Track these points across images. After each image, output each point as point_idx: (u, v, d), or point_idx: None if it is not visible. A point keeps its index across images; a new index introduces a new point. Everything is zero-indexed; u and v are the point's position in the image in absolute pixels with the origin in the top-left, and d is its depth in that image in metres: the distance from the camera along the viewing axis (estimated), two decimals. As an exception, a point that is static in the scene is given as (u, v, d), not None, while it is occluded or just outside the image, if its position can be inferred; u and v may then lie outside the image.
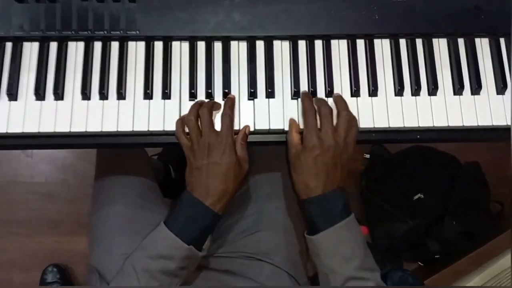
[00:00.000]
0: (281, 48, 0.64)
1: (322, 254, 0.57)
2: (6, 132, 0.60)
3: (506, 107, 0.63)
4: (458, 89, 0.63)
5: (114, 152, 0.83)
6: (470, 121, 0.63)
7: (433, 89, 0.63)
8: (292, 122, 0.61)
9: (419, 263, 1.30)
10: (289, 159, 0.61)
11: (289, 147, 0.60)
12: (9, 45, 0.62)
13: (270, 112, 0.62)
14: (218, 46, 0.64)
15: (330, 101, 0.62)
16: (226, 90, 0.62)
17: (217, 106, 0.62)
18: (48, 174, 1.41)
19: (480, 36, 0.66)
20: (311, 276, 1.23)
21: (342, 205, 0.57)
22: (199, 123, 0.60)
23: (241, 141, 0.61)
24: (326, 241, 0.57)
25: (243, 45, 0.64)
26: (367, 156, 1.40)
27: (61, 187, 1.40)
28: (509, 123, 0.63)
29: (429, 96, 0.64)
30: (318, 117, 0.59)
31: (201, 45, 0.64)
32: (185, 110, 0.61)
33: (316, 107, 0.60)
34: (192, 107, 0.61)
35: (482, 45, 0.66)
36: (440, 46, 0.65)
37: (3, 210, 1.37)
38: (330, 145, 0.57)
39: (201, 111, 0.60)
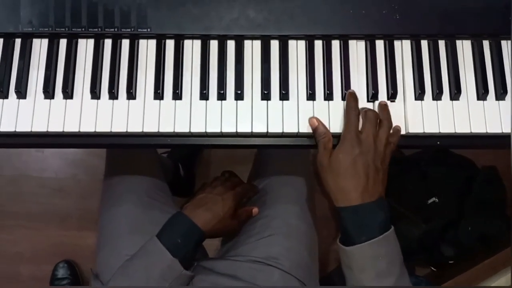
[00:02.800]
0: (297, 48, 0.62)
1: (355, 267, 0.53)
2: (15, 131, 0.59)
3: (532, 113, 0.60)
4: (482, 94, 0.60)
5: (124, 151, 0.82)
6: (493, 128, 0.60)
7: (455, 94, 0.60)
8: (314, 122, 0.57)
9: (432, 268, 1.27)
10: (321, 162, 0.56)
11: (320, 150, 0.56)
12: (18, 42, 0.61)
13: (284, 115, 0.60)
14: (231, 45, 0.62)
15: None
16: (239, 91, 0.60)
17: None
18: (58, 168, 1.41)
19: (507, 38, 0.63)
20: (326, 275, 1.21)
21: (382, 218, 0.53)
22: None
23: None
24: (360, 255, 0.53)
25: (257, 44, 0.62)
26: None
27: (71, 182, 1.40)
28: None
29: (451, 101, 0.61)
30: (360, 119, 0.57)
31: (213, 44, 0.62)
32: (196, 111, 0.59)
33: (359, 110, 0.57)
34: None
35: (509, 48, 0.63)
36: (464, 48, 0.62)
37: (13, 204, 1.38)
38: (371, 147, 0.54)
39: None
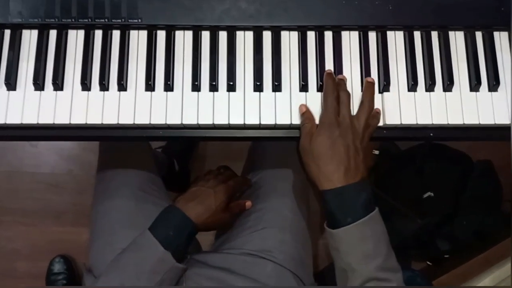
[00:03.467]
0: (289, 39, 0.61)
1: (342, 249, 0.53)
2: (5, 123, 0.58)
3: (525, 104, 0.60)
4: (475, 85, 0.60)
5: (117, 144, 0.82)
6: (486, 119, 0.60)
7: (448, 85, 0.60)
8: (302, 108, 0.58)
9: (428, 262, 1.27)
10: (303, 147, 0.56)
11: (303, 134, 0.57)
12: (7, 33, 0.60)
13: (276, 107, 0.59)
14: (223, 36, 0.61)
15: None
16: (231, 83, 0.60)
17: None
18: (54, 164, 1.40)
19: (499, 30, 0.62)
20: (319, 271, 1.21)
21: (366, 198, 0.53)
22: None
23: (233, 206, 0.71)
24: (347, 237, 0.53)
25: (249, 35, 0.61)
26: (376, 152, 1.37)
27: (66, 177, 1.40)
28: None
29: (444, 92, 0.61)
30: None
31: (205, 35, 0.61)
32: (188, 103, 0.59)
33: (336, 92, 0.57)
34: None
35: (501, 39, 0.62)
36: (457, 39, 0.62)
37: (8, 200, 1.37)
38: (348, 128, 0.54)
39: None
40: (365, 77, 0.60)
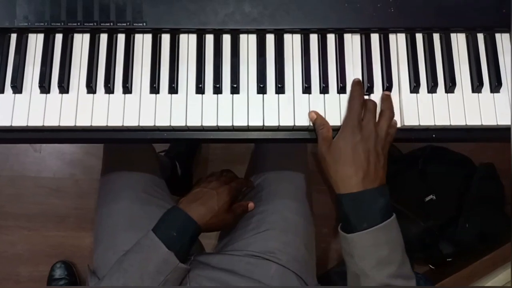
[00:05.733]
0: (292, 42, 0.62)
1: (356, 254, 0.53)
2: (11, 126, 0.59)
3: (527, 105, 0.60)
4: (477, 87, 0.61)
5: (121, 147, 0.82)
6: (489, 120, 0.60)
7: (450, 86, 0.60)
8: (313, 115, 0.58)
9: (430, 266, 1.27)
10: (322, 152, 0.56)
11: (320, 140, 0.56)
12: (14, 37, 0.61)
13: (279, 108, 0.60)
14: (226, 39, 0.62)
15: (342, 97, 0.60)
16: (235, 85, 0.60)
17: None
18: (56, 169, 1.41)
19: (501, 31, 0.63)
20: (323, 272, 1.21)
21: (384, 205, 0.53)
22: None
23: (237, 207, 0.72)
24: (361, 242, 0.52)
25: (253, 38, 0.62)
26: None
27: (68, 182, 1.40)
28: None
29: (446, 94, 0.61)
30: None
31: (209, 38, 0.62)
32: (192, 105, 0.60)
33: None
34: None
35: (503, 41, 0.63)
36: (459, 41, 0.63)
37: (11, 204, 1.38)
38: (371, 132, 0.54)
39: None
40: (368, 80, 0.60)
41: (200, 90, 0.60)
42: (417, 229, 1.20)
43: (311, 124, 0.59)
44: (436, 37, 0.63)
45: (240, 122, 0.59)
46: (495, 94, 0.61)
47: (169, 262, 0.59)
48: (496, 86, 0.61)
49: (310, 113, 0.59)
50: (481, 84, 0.61)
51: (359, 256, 0.52)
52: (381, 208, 0.52)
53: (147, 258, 0.60)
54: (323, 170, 0.57)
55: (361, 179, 0.53)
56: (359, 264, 0.53)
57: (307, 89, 0.60)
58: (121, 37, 0.61)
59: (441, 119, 0.60)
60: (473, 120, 0.60)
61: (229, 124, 0.59)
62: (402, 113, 0.60)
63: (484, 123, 0.60)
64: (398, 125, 0.60)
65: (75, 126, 0.59)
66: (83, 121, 0.59)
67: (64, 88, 0.59)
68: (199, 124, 0.59)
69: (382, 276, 0.51)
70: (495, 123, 0.60)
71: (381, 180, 0.54)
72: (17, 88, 0.59)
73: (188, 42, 0.62)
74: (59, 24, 0.60)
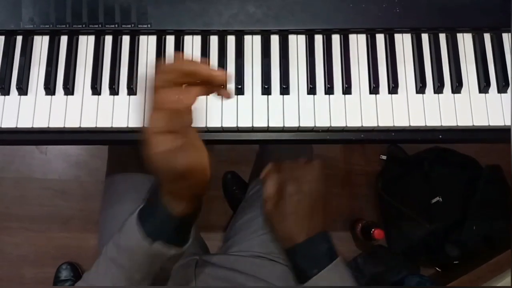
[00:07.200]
0: (297, 43, 0.62)
1: None
2: (16, 127, 0.59)
3: (535, 106, 0.60)
4: (484, 87, 0.60)
5: (126, 149, 0.82)
6: (496, 121, 0.60)
7: (457, 87, 0.60)
8: (267, 172, 0.61)
9: (437, 268, 1.26)
10: (268, 211, 0.59)
11: (267, 199, 0.59)
12: (19, 39, 0.61)
13: (284, 109, 0.60)
14: (231, 40, 0.62)
15: (348, 97, 0.59)
16: (240, 86, 0.60)
17: None
18: (61, 171, 1.41)
19: (508, 31, 0.62)
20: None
21: (328, 247, 0.55)
22: None
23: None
24: (317, 286, 0.54)
25: (257, 39, 0.62)
26: (384, 157, 1.36)
27: (73, 184, 1.40)
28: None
29: (452, 94, 0.60)
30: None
31: (213, 39, 0.62)
32: (197, 106, 0.59)
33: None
34: None
35: (510, 40, 0.62)
36: (465, 41, 0.62)
37: (16, 206, 1.38)
38: (312, 189, 0.58)
39: None
40: (374, 80, 0.60)
41: (204, 91, 0.60)
42: (422, 231, 1.19)
43: (316, 125, 0.59)
44: (442, 37, 0.62)
45: (245, 123, 0.59)
46: (502, 94, 0.60)
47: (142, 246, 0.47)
48: (503, 86, 0.60)
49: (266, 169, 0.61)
50: (488, 84, 0.60)
51: None
52: (326, 251, 0.55)
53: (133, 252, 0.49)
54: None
55: (305, 232, 0.56)
56: None
57: (312, 90, 0.60)
58: (125, 39, 0.61)
59: (448, 120, 0.59)
60: (480, 120, 0.59)
61: (234, 125, 0.59)
62: (408, 114, 0.60)
63: (491, 124, 0.59)
64: (406, 124, 0.59)
65: (80, 127, 0.59)
66: (88, 123, 0.59)
67: (69, 89, 0.60)
68: (204, 125, 0.59)
69: None
70: (502, 124, 0.59)
71: (323, 227, 0.57)
72: (23, 89, 0.59)
73: (192, 43, 0.62)
74: (64, 26, 0.60)
